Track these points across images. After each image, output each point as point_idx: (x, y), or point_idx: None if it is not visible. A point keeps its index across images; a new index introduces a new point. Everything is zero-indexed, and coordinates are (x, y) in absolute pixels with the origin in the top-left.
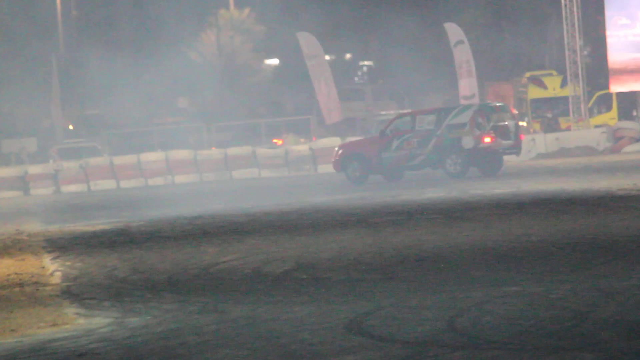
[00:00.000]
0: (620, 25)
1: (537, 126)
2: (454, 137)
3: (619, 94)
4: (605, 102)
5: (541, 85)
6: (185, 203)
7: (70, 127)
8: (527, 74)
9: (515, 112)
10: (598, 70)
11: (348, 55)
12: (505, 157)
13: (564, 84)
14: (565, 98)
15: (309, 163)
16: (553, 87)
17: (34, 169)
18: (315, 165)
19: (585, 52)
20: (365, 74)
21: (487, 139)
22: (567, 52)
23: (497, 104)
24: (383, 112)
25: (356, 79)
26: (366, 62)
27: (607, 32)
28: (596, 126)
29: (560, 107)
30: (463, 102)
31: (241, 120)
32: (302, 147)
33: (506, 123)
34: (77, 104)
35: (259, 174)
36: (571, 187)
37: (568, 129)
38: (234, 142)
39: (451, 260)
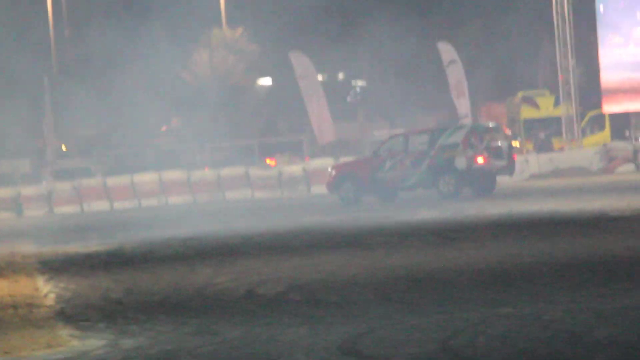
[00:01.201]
0: (613, 45)
1: (530, 146)
2: (447, 158)
3: (611, 114)
4: (597, 122)
5: (534, 105)
6: (179, 224)
7: (63, 147)
8: (520, 94)
9: (508, 132)
10: (591, 90)
11: (340, 75)
12: (499, 178)
13: (556, 103)
14: (558, 118)
15: (303, 184)
16: (546, 107)
17: (27, 190)
18: (309, 186)
19: (578, 72)
20: (358, 94)
21: (480, 160)
22: (559, 72)
23: (490, 124)
24: (376, 133)
25: (348, 98)
26: (359, 82)
27: (600, 52)
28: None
29: (553, 127)
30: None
31: (234, 141)
32: (295, 168)
33: (499, 143)
34: (69, 125)
35: (252, 194)
36: (565, 208)
37: (561, 149)
38: (227, 163)
39: (445, 281)
